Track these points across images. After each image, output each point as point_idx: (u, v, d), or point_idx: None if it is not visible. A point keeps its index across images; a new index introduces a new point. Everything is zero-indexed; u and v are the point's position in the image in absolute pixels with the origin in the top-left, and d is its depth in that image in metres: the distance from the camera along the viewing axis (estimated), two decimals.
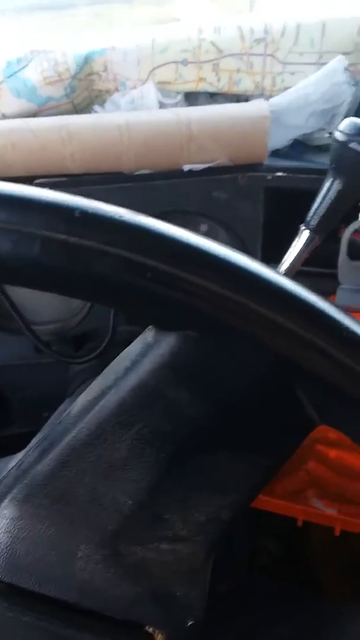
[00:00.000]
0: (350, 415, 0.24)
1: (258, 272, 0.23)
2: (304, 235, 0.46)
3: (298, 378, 0.24)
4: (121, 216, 0.22)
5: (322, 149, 0.65)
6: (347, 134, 0.40)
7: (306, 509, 0.65)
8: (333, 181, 0.42)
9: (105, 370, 0.29)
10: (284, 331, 0.22)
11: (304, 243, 0.45)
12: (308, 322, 0.22)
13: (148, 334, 0.27)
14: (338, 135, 0.40)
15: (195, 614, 0.31)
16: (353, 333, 0.23)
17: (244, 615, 0.63)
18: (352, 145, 0.39)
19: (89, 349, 0.72)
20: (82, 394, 0.29)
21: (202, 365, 0.25)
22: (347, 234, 0.58)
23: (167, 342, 0.25)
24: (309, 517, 0.66)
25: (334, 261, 0.60)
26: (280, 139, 0.61)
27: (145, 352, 0.26)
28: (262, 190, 0.59)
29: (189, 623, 0.31)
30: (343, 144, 0.40)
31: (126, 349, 0.28)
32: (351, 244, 0.59)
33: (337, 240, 0.60)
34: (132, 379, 0.27)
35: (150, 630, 0.31)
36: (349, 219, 0.58)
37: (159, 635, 0.31)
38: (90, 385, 0.29)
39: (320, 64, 0.59)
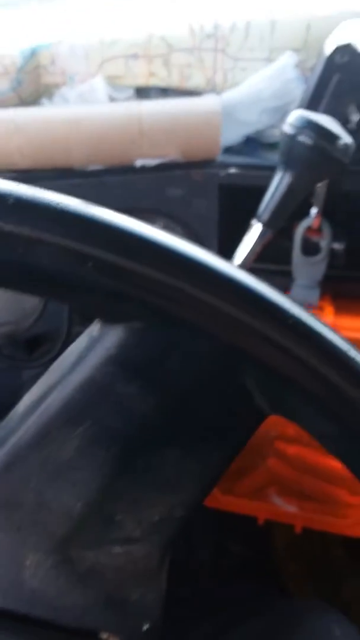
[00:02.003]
0: (299, 404, 0.23)
1: (202, 259, 0.22)
2: (256, 230, 0.46)
3: (245, 367, 0.23)
4: (58, 203, 0.21)
5: (275, 146, 0.65)
6: (295, 127, 0.40)
7: (267, 507, 0.65)
8: (283, 175, 0.42)
9: (51, 367, 0.27)
10: (230, 319, 0.22)
11: (257, 237, 0.45)
12: (253, 310, 0.22)
13: (94, 328, 0.25)
14: (287, 129, 0.40)
15: (152, 617, 0.30)
16: (299, 320, 0.22)
17: (207, 619, 0.62)
18: (301, 138, 0.39)
19: (42, 352, 0.70)
20: (27, 393, 0.28)
21: (150, 358, 0.24)
22: (300, 231, 0.59)
23: (114, 335, 0.24)
24: (270, 515, 0.66)
25: (288, 258, 0.60)
26: (233, 135, 0.61)
27: (91, 346, 0.25)
28: (216, 187, 0.59)
29: (145, 627, 0.30)
30: (292, 137, 0.40)
31: (72, 344, 0.27)
32: (304, 241, 0.59)
33: (291, 238, 0.60)
34: (79, 375, 0.25)
35: (105, 636, 0.30)
36: (302, 215, 0.58)
37: None
38: (36, 383, 0.28)
39: (270, 60, 0.60)
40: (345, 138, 0.41)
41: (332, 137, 0.40)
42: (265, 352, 0.22)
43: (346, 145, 0.41)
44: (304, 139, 0.39)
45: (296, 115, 0.40)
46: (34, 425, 0.27)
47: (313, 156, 0.40)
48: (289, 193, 0.42)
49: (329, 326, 0.23)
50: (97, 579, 0.29)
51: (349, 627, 0.60)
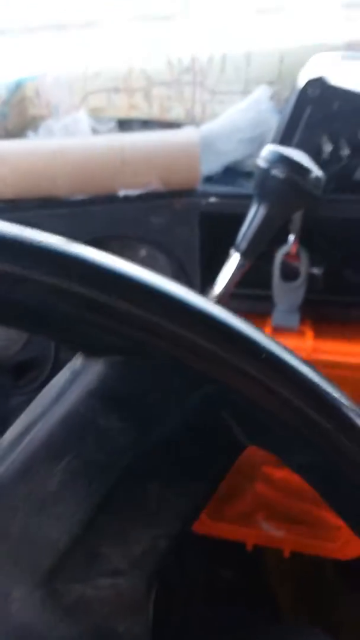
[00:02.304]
0: (274, 435, 0.24)
1: (178, 295, 0.23)
2: (234, 259, 0.47)
3: (222, 400, 0.24)
4: (40, 240, 0.22)
5: (252, 175, 0.67)
6: (268, 161, 0.41)
7: (255, 532, 0.65)
8: (258, 206, 0.43)
9: (34, 401, 0.28)
10: (205, 353, 0.22)
11: (235, 266, 0.46)
12: (227, 344, 0.23)
13: (76, 361, 0.26)
14: (260, 163, 0.41)
15: None
16: (271, 354, 0.23)
17: None
18: (274, 172, 0.41)
19: (30, 379, 0.70)
20: (12, 426, 0.28)
21: (130, 392, 0.25)
22: (278, 257, 0.60)
23: (95, 369, 0.25)
24: (258, 540, 0.66)
25: (269, 283, 0.61)
26: (212, 165, 0.62)
27: (73, 379, 0.26)
28: (197, 215, 0.60)
29: None
30: (265, 171, 0.41)
31: (54, 378, 0.27)
32: (283, 266, 0.61)
33: (271, 262, 0.61)
34: (61, 409, 0.26)
35: None
36: (280, 241, 0.59)
37: None
38: (20, 416, 0.28)
39: (246, 92, 0.62)
40: (316, 171, 0.42)
41: (303, 171, 0.42)
42: (240, 386, 0.23)
43: (317, 179, 0.42)
44: (277, 172, 0.41)
45: (269, 149, 0.42)
46: (18, 458, 0.27)
47: (286, 189, 0.41)
48: (265, 223, 0.43)
49: (302, 359, 0.24)
50: (84, 612, 0.29)
51: None
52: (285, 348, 0.23)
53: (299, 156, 0.42)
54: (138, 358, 0.24)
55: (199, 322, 0.23)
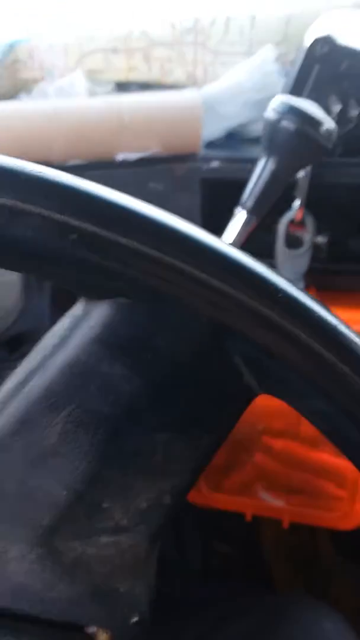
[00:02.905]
0: (288, 380, 0.23)
1: (190, 233, 0.22)
2: (240, 217, 0.45)
3: (233, 344, 0.23)
4: (41, 172, 0.20)
5: (257, 141, 0.65)
6: (278, 112, 0.39)
7: (254, 503, 0.65)
8: (266, 161, 0.42)
9: (33, 351, 0.27)
10: (217, 293, 0.21)
11: (242, 225, 0.45)
12: (242, 284, 0.21)
13: (77, 307, 0.25)
14: (269, 114, 0.40)
15: (140, 610, 0.29)
16: (287, 294, 0.22)
17: (197, 619, 0.61)
18: (284, 123, 0.39)
19: (24, 352, 0.69)
20: (9, 378, 0.27)
21: (136, 336, 0.23)
22: (283, 223, 0.59)
23: (98, 313, 0.24)
24: (257, 510, 0.65)
25: (272, 252, 0.60)
26: (215, 130, 0.61)
27: (74, 326, 0.24)
28: (198, 181, 0.59)
29: (134, 620, 0.29)
30: (274, 123, 0.40)
31: (55, 326, 0.26)
32: (287, 236, 0.59)
33: (274, 232, 0.60)
34: (61, 357, 0.25)
35: (93, 630, 0.29)
36: (284, 209, 0.58)
37: (102, 635, 0.29)
38: (17, 368, 0.27)
39: (250, 54, 0.60)
40: (328, 123, 0.41)
41: (315, 122, 0.40)
42: (253, 328, 0.22)
43: (329, 131, 0.41)
44: (287, 124, 0.39)
45: (279, 100, 0.40)
46: (16, 411, 0.26)
47: (296, 141, 0.40)
48: (273, 179, 0.42)
49: (318, 300, 0.23)
50: (83, 571, 0.28)
51: (338, 621, 0.60)
52: (301, 289, 0.22)
53: (311, 107, 0.41)
54: (144, 300, 0.23)
55: (211, 261, 0.21)
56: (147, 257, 0.21)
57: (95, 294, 0.23)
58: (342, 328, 0.22)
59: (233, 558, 0.98)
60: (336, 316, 0.23)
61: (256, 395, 0.25)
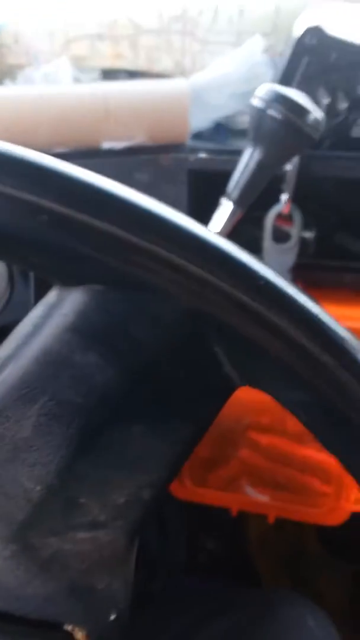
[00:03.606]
0: (270, 372, 0.22)
1: (168, 217, 0.21)
2: (226, 208, 0.44)
3: (214, 333, 0.22)
4: (8, 149, 0.19)
5: (245, 132, 0.64)
6: (265, 101, 0.38)
7: (239, 498, 0.64)
8: (253, 151, 0.41)
9: (6, 340, 0.26)
10: (197, 280, 0.21)
11: (227, 215, 0.44)
12: (222, 270, 0.21)
13: (51, 294, 0.24)
14: (256, 102, 0.39)
15: (119, 607, 0.29)
16: (270, 283, 0.21)
17: (180, 615, 0.61)
18: (270, 112, 0.38)
19: None
20: None
21: (111, 324, 0.23)
22: (270, 217, 0.58)
23: (72, 301, 0.23)
24: (243, 506, 0.65)
25: (259, 248, 0.59)
26: (202, 120, 0.60)
27: (47, 314, 0.24)
28: (185, 172, 0.58)
29: (112, 617, 0.28)
30: (261, 111, 0.39)
31: (29, 314, 0.25)
32: (275, 230, 0.59)
33: (261, 227, 0.59)
34: (35, 346, 0.24)
35: (70, 628, 0.28)
36: (271, 204, 0.57)
37: (79, 633, 0.28)
38: None
39: (239, 44, 0.59)
40: (316, 112, 0.40)
41: (302, 111, 0.39)
42: (233, 316, 0.21)
43: (316, 120, 0.40)
44: (274, 112, 0.38)
45: (266, 88, 0.39)
46: None
47: (283, 131, 0.39)
48: (259, 169, 0.41)
49: (300, 289, 0.22)
50: (60, 568, 0.27)
51: (322, 617, 0.59)
52: (281, 277, 0.21)
53: (298, 96, 0.40)
54: (120, 287, 0.22)
55: (190, 246, 0.21)
56: (122, 241, 0.20)
57: (68, 280, 0.23)
58: (325, 317, 0.22)
59: (218, 553, 0.97)
60: (319, 305, 0.22)
61: (237, 387, 0.24)
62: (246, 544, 0.97)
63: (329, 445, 0.24)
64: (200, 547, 0.96)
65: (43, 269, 0.22)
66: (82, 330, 0.23)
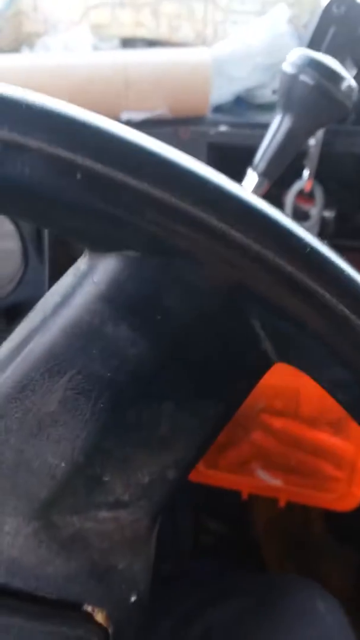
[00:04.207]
0: (309, 349, 0.21)
1: (207, 177, 0.19)
2: (252, 179, 0.43)
3: (253, 306, 0.21)
4: (44, 102, 0.18)
5: (266, 107, 0.63)
6: (297, 66, 0.37)
7: (251, 481, 0.64)
8: (282, 118, 0.39)
9: (33, 310, 0.24)
10: (237, 248, 0.19)
11: (253, 187, 0.42)
12: (265, 238, 0.19)
13: (81, 262, 0.23)
14: (287, 68, 0.37)
15: (140, 588, 0.28)
16: (316, 252, 0.20)
17: (188, 597, 0.61)
18: (302, 77, 0.36)
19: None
20: (6, 340, 0.25)
21: (145, 294, 0.21)
22: (291, 195, 0.56)
23: (104, 268, 0.21)
24: (254, 489, 0.64)
25: None
26: (223, 93, 0.58)
27: (78, 283, 0.22)
28: (205, 146, 0.56)
29: (132, 599, 0.28)
30: (292, 77, 0.37)
31: (57, 283, 0.24)
32: (295, 209, 0.57)
33: (280, 206, 0.58)
34: (63, 317, 0.23)
35: (90, 609, 0.27)
36: (291, 183, 0.56)
37: (99, 614, 0.27)
38: (16, 328, 0.25)
39: (263, 13, 0.57)
40: (350, 80, 0.39)
41: (336, 78, 0.38)
42: (275, 287, 0.20)
43: (350, 88, 0.38)
44: (306, 78, 0.37)
45: (298, 53, 0.38)
46: (13, 375, 0.24)
47: (315, 97, 0.37)
48: (288, 139, 0.39)
49: (348, 260, 0.21)
50: (81, 547, 0.27)
51: (332, 602, 0.59)
52: (328, 245, 0.20)
53: (331, 61, 0.38)
54: (155, 254, 0.20)
55: (231, 211, 0.19)
56: (160, 203, 0.19)
57: (101, 246, 0.21)
58: None
59: (225, 536, 0.98)
60: None
61: (272, 364, 0.23)
62: (253, 528, 0.97)
63: None
64: (207, 529, 0.96)
65: (75, 233, 0.21)
66: (114, 300, 0.22)
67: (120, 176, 0.18)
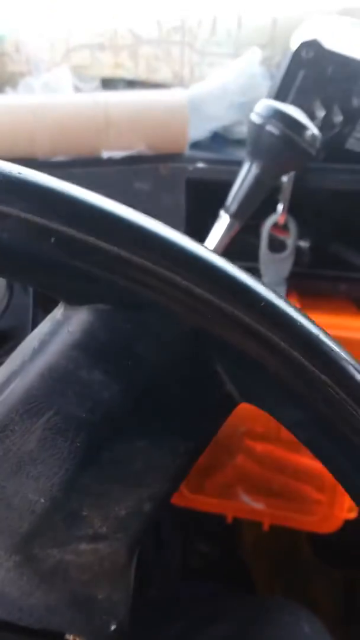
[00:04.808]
0: (270, 390, 0.23)
1: (171, 238, 0.21)
2: (223, 221, 0.45)
3: (216, 352, 0.22)
4: (19, 172, 0.20)
5: (241, 142, 0.65)
6: (262, 117, 0.39)
7: (235, 505, 0.65)
8: (250, 165, 0.41)
9: (12, 354, 0.26)
10: (200, 302, 0.21)
11: (225, 229, 0.44)
12: (224, 292, 0.21)
13: (57, 311, 0.24)
14: (254, 118, 0.39)
15: (119, 617, 0.29)
16: (270, 304, 0.22)
17: (176, 620, 0.61)
18: (268, 127, 0.39)
19: (7, 349, 0.68)
20: None
21: (116, 342, 0.23)
22: (266, 227, 0.59)
23: (78, 319, 0.23)
24: (238, 512, 0.65)
25: (256, 255, 0.60)
26: (200, 130, 0.60)
27: (54, 331, 0.24)
28: (183, 181, 0.58)
29: (112, 627, 0.29)
30: (259, 127, 0.39)
31: (35, 330, 0.25)
32: (271, 239, 0.59)
33: (258, 235, 0.60)
34: (41, 362, 0.24)
35: (71, 637, 0.28)
36: (268, 213, 0.58)
37: None
38: None
39: (237, 55, 0.60)
40: (313, 129, 0.41)
41: (299, 128, 0.40)
42: (235, 336, 0.22)
43: (313, 136, 0.41)
44: (272, 128, 0.39)
45: (264, 104, 0.40)
46: None
47: (280, 146, 0.40)
48: (257, 184, 0.42)
49: (300, 309, 0.23)
50: (61, 578, 0.28)
51: (317, 625, 0.60)
52: (282, 297, 0.22)
53: (295, 112, 0.41)
54: (125, 306, 0.22)
55: (193, 268, 0.21)
56: (128, 262, 0.21)
57: (75, 299, 0.23)
58: (324, 337, 0.22)
59: (212, 558, 0.98)
60: (318, 325, 0.22)
61: (237, 404, 0.25)
62: (240, 549, 0.98)
63: (326, 463, 0.24)
64: (194, 551, 0.96)
65: (49, 288, 0.23)
66: (88, 348, 0.23)
67: (91, 240, 0.20)
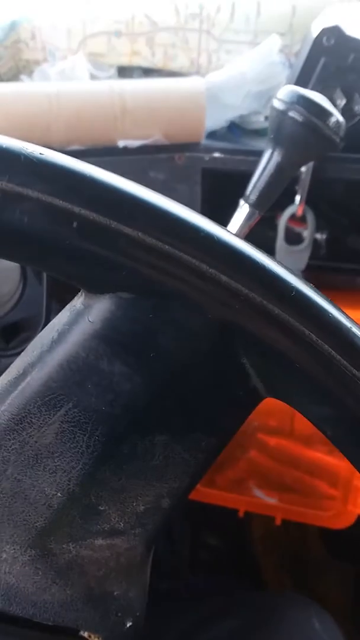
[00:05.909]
0: (298, 384, 0.22)
1: (198, 224, 0.20)
2: (243, 210, 0.44)
3: (242, 345, 0.22)
4: (42, 153, 0.19)
5: (259, 132, 0.64)
6: (285, 102, 0.38)
7: (247, 499, 0.64)
8: (272, 153, 0.40)
9: (29, 345, 0.25)
10: (227, 291, 0.20)
11: (245, 218, 0.43)
12: (253, 281, 0.20)
13: (77, 300, 0.24)
14: (276, 104, 0.38)
15: (135, 614, 0.29)
16: (301, 294, 0.21)
17: (186, 614, 0.61)
18: (291, 113, 0.38)
19: (20, 341, 0.68)
20: (4, 374, 0.26)
21: (138, 333, 0.22)
22: (284, 219, 0.58)
23: (99, 308, 0.22)
24: (251, 507, 0.65)
25: (272, 249, 0.59)
26: (217, 119, 0.59)
27: (74, 320, 0.23)
28: (199, 172, 0.57)
29: (128, 624, 0.28)
30: (281, 113, 0.38)
31: (53, 320, 0.25)
32: (287, 231, 0.58)
33: (273, 227, 0.59)
34: (60, 353, 0.23)
35: (86, 634, 0.28)
36: (285, 205, 0.57)
37: None
38: (13, 363, 0.26)
39: (255, 43, 0.58)
40: (337, 116, 0.40)
41: (324, 114, 0.39)
42: (263, 328, 0.21)
43: (338, 123, 0.40)
44: (295, 114, 0.38)
45: (287, 90, 0.39)
46: (11, 407, 0.25)
47: (304, 133, 0.39)
48: (278, 172, 0.41)
49: (331, 301, 0.22)
50: (77, 574, 0.27)
51: (328, 621, 0.59)
52: (313, 287, 0.21)
53: (319, 98, 0.40)
54: (148, 295, 0.21)
55: (221, 256, 0.20)
56: (152, 249, 0.20)
57: (96, 288, 0.22)
58: (357, 330, 0.21)
59: (222, 552, 0.98)
60: (350, 318, 0.22)
61: (262, 399, 0.24)
62: (250, 543, 0.97)
63: (354, 461, 0.23)
64: (204, 545, 0.96)
65: (70, 276, 0.22)
66: (108, 339, 0.22)
67: (114, 225, 0.19)
